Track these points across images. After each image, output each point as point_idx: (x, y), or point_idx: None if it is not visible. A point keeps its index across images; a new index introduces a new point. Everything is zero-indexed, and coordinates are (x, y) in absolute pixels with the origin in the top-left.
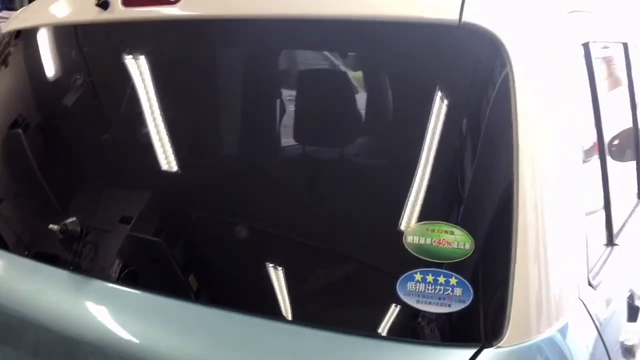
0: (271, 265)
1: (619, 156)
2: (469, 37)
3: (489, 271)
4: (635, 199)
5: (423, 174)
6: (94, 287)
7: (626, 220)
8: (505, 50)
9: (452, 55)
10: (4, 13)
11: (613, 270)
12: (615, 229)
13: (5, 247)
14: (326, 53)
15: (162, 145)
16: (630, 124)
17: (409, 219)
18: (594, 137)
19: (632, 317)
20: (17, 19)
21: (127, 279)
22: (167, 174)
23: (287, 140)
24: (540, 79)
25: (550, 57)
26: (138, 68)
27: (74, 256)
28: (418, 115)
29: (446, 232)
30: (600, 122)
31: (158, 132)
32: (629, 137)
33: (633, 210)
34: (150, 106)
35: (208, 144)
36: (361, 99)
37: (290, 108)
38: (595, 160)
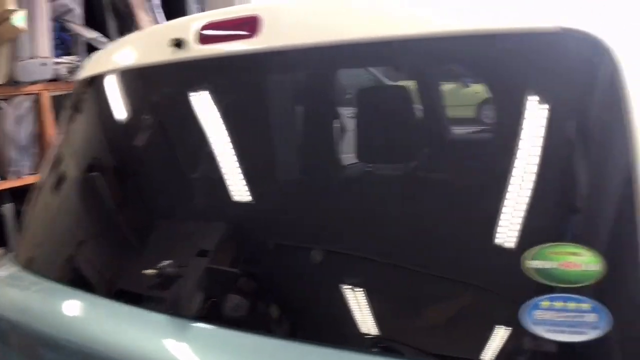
0: (365, 296)
1: None
2: (572, 43)
3: (622, 292)
4: None
5: (536, 189)
6: (194, 329)
7: None
8: (611, 53)
9: (557, 63)
10: (64, 59)
11: None
12: None
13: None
14: (425, 70)
15: (243, 180)
16: None
17: (527, 240)
18: None
19: None
20: (89, 67)
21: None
22: (250, 208)
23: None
24: None
25: None
26: (212, 104)
27: (169, 298)
28: (524, 127)
29: (571, 253)
30: None
31: (241, 167)
32: None
33: None
34: (231, 141)
35: (293, 174)
36: (467, 110)
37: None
38: None
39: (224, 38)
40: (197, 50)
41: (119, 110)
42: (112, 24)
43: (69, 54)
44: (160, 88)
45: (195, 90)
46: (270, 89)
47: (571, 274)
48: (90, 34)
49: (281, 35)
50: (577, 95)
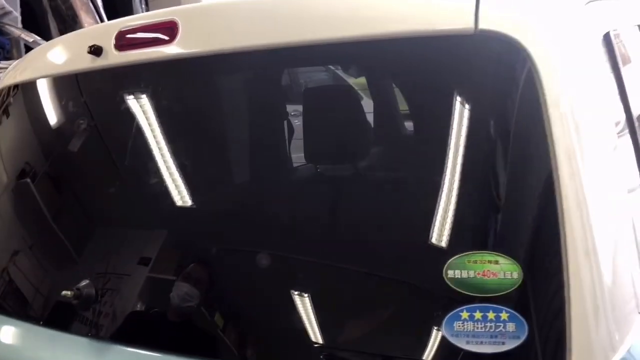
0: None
1: None
2: (487, 44)
3: (541, 300)
4: None
5: (455, 196)
6: (115, 352)
7: None
8: (526, 51)
9: (473, 64)
10: (3, 63)
11: None
12: None
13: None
14: (343, 73)
15: (177, 187)
16: None
17: (446, 250)
18: (628, 130)
19: None
20: (11, 74)
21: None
22: (185, 220)
23: (305, 164)
24: (565, 75)
25: (573, 50)
26: (143, 108)
27: (91, 320)
28: (444, 134)
29: (490, 262)
30: (630, 113)
31: (172, 172)
32: None
33: None
34: (160, 146)
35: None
36: (387, 116)
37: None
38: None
39: (143, 44)
40: (115, 57)
41: (41, 119)
42: (53, 27)
43: (7, 59)
44: (82, 96)
45: (117, 96)
46: (192, 94)
47: (490, 283)
48: (30, 37)
49: (198, 40)
50: (496, 98)
